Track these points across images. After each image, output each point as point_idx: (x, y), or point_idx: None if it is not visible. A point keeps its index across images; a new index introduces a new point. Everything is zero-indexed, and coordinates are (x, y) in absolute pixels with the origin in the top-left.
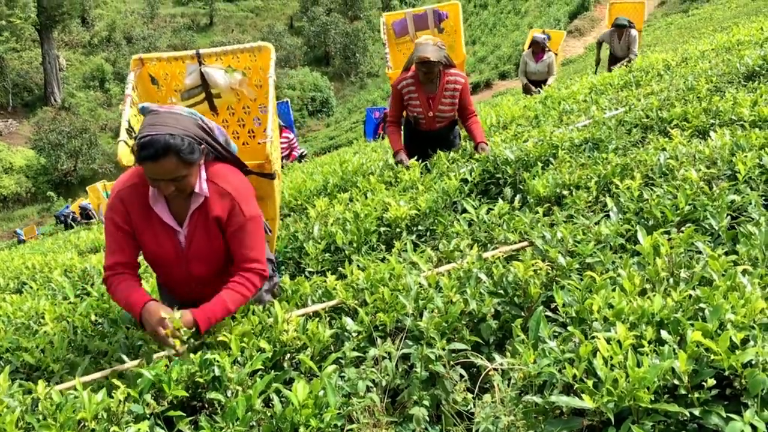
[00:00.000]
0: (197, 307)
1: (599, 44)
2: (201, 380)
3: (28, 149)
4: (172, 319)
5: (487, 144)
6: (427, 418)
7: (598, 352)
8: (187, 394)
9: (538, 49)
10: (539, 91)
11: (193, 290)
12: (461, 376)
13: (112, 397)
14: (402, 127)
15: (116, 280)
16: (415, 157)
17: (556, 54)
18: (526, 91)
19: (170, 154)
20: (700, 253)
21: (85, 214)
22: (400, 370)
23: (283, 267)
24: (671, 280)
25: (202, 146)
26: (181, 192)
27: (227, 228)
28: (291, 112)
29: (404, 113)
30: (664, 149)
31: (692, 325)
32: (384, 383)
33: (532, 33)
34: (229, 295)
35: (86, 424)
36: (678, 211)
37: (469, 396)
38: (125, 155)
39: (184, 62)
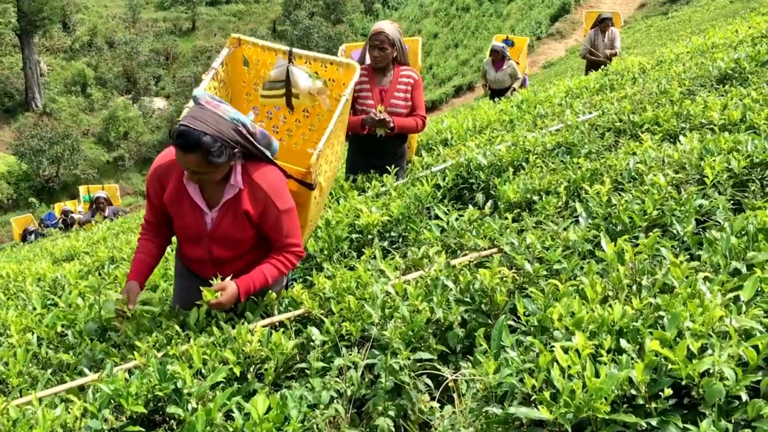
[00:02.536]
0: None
1: (589, 53)
2: (161, 394)
3: (9, 155)
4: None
5: (392, 122)
6: (393, 429)
7: (555, 363)
8: (146, 411)
9: (498, 57)
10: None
11: (209, 269)
12: (427, 386)
13: (69, 413)
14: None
15: (141, 240)
16: (351, 177)
17: (518, 63)
18: (492, 97)
19: (198, 151)
20: (665, 259)
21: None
22: (365, 380)
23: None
24: (634, 287)
25: (236, 150)
26: (201, 181)
27: (264, 223)
28: None
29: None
30: (634, 154)
31: (651, 333)
32: (349, 393)
33: (495, 39)
34: (269, 269)
35: None
36: (646, 217)
37: (436, 406)
38: None
39: (276, 55)
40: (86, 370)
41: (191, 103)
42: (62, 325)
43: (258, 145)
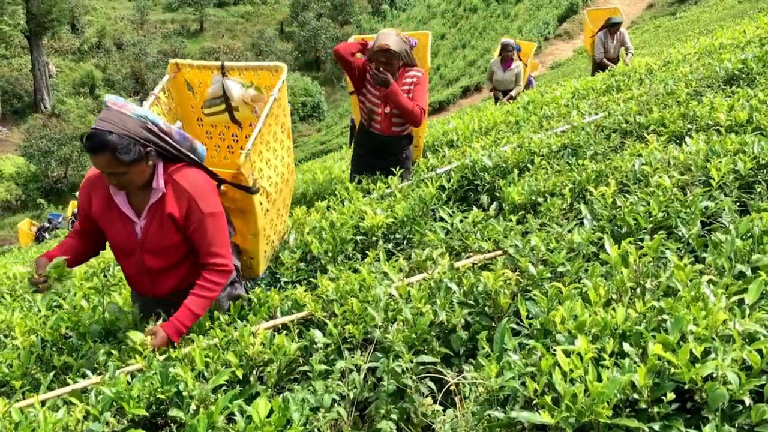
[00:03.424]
0: (163, 307)
1: (604, 55)
2: (163, 396)
3: (18, 156)
4: (142, 339)
5: (393, 84)
6: None
7: (557, 367)
8: (148, 414)
9: (508, 55)
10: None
11: (146, 282)
12: (429, 388)
13: (72, 415)
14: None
15: (68, 235)
16: (357, 179)
17: (525, 65)
18: (497, 98)
19: (105, 151)
20: (669, 261)
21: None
22: (368, 383)
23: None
24: (638, 290)
25: (149, 148)
26: (122, 187)
27: (188, 226)
28: None
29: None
30: (639, 155)
31: (654, 337)
32: (351, 396)
33: (501, 41)
34: (194, 301)
35: None
36: (651, 219)
37: (439, 409)
38: None
39: (212, 72)
40: (89, 373)
41: None
42: (66, 327)
43: (176, 145)
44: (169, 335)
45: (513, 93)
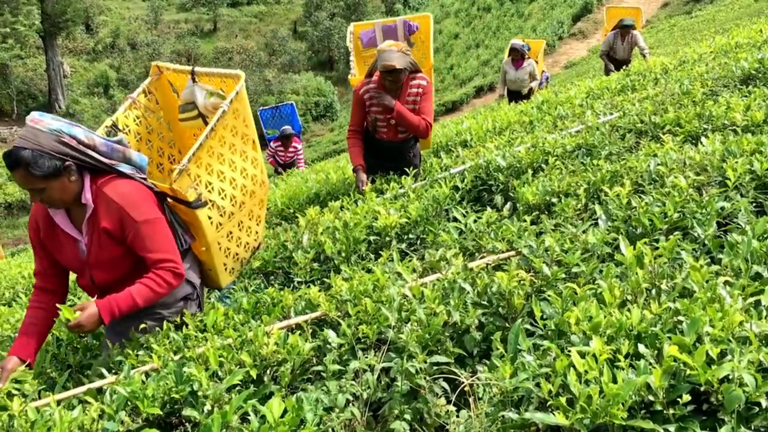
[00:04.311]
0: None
1: (606, 55)
2: (177, 396)
3: None
4: (68, 311)
5: (396, 109)
6: None
7: (572, 368)
8: (162, 413)
9: (518, 56)
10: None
11: (101, 297)
12: (443, 389)
13: (87, 414)
14: (362, 139)
15: (29, 309)
16: (370, 178)
17: (536, 62)
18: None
19: (19, 167)
20: (685, 262)
21: None
22: (382, 383)
23: (272, 277)
24: (653, 292)
25: (67, 162)
26: (50, 205)
27: (126, 237)
28: (297, 114)
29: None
30: (655, 155)
31: (669, 338)
32: (365, 396)
33: (511, 42)
34: (138, 289)
35: None
36: (666, 219)
37: (452, 409)
38: None
39: (187, 76)
40: (105, 372)
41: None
42: None
43: (100, 157)
44: (100, 312)
45: (533, 86)
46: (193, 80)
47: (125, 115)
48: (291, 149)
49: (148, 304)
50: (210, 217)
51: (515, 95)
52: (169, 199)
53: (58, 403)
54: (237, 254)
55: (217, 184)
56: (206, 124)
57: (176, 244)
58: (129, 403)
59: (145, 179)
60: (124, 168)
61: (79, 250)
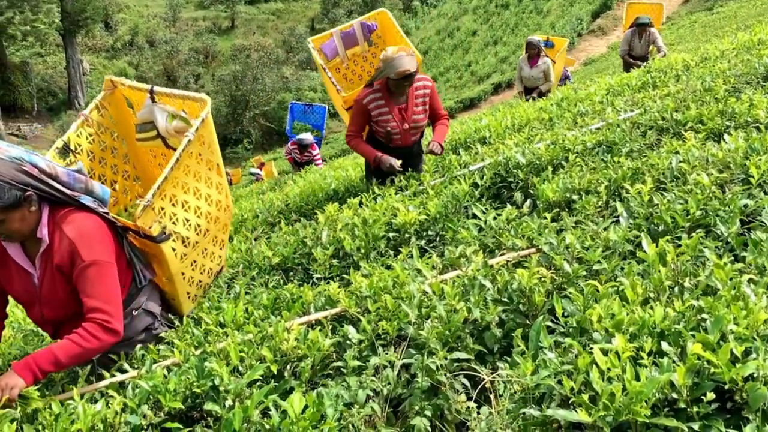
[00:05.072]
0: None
1: (627, 54)
2: (199, 390)
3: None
4: None
5: (441, 146)
6: (429, 429)
7: (595, 365)
8: (183, 407)
9: (534, 52)
10: (533, 98)
11: (51, 333)
12: (463, 386)
13: (110, 408)
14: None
15: None
16: (379, 180)
17: (554, 61)
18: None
19: None
20: (708, 260)
21: None
22: (402, 379)
23: (291, 273)
24: (675, 289)
25: (28, 192)
26: (5, 237)
27: (71, 275)
28: (325, 117)
29: (367, 131)
30: (677, 152)
31: (693, 336)
32: (385, 392)
33: (528, 38)
34: (61, 346)
35: None
36: (689, 217)
37: (473, 406)
38: None
39: (144, 94)
40: (126, 366)
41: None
42: None
43: (61, 188)
44: (19, 373)
45: (543, 88)
46: (153, 100)
47: (77, 134)
48: (307, 154)
49: (75, 361)
50: (174, 249)
51: (530, 91)
52: (130, 233)
53: (81, 396)
54: (200, 281)
55: (181, 214)
56: (166, 145)
57: (134, 281)
58: (151, 397)
59: (107, 213)
60: (86, 200)
61: (32, 283)
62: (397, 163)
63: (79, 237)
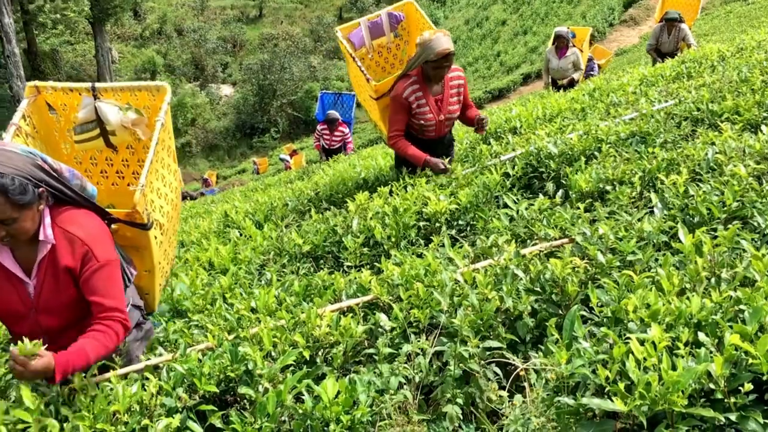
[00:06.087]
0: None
1: (654, 49)
2: (233, 375)
3: None
4: (23, 348)
5: (484, 118)
6: (461, 417)
7: (631, 354)
8: (218, 390)
9: (562, 44)
10: (563, 87)
11: (45, 344)
12: (495, 374)
13: (146, 390)
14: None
15: None
16: (409, 169)
17: (581, 50)
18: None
19: None
20: (745, 252)
21: None
22: (433, 367)
23: (321, 261)
24: (712, 280)
25: (41, 189)
26: (13, 237)
27: (81, 276)
28: (354, 107)
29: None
30: (713, 143)
31: (731, 327)
32: (417, 380)
33: (555, 29)
34: (90, 345)
35: (119, 416)
36: (725, 208)
37: (504, 395)
38: None
39: (80, 94)
40: (161, 350)
41: None
42: None
43: (69, 185)
44: (57, 367)
45: (575, 77)
46: (95, 97)
47: (22, 142)
48: (338, 133)
49: (98, 361)
50: (156, 237)
51: (557, 82)
52: (118, 225)
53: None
54: (167, 272)
55: (157, 201)
56: (108, 143)
57: (124, 277)
58: (185, 380)
59: (98, 206)
60: (83, 196)
61: (26, 292)
62: (447, 164)
63: (90, 237)
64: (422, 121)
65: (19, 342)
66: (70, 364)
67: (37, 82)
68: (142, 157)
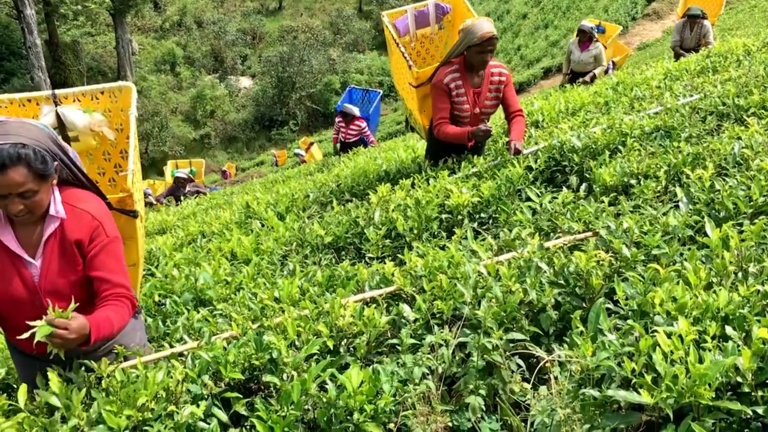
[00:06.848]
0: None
1: (678, 45)
2: (257, 363)
3: None
4: (57, 313)
5: (520, 143)
6: (483, 408)
7: (658, 347)
8: (243, 377)
9: (585, 38)
10: (583, 82)
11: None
12: (519, 366)
13: (171, 377)
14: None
15: None
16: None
17: (605, 47)
18: (570, 81)
19: (20, 164)
20: None
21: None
22: (456, 358)
23: (342, 253)
24: (739, 275)
25: (56, 163)
26: (30, 212)
27: (88, 252)
28: (379, 103)
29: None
30: (739, 138)
31: (759, 321)
32: (440, 371)
33: (580, 23)
34: (113, 314)
35: (146, 402)
36: (751, 203)
37: (527, 386)
38: None
39: (38, 104)
40: (186, 337)
41: None
42: (159, 295)
43: (76, 162)
44: (90, 329)
45: (596, 72)
46: (56, 103)
47: None
48: (353, 127)
49: (119, 331)
50: (140, 228)
51: (578, 76)
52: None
53: (145, 366)
54: (141, 273)
55: (137, 194)
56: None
57: None
58: (210, 367)
59: (99, 189)
60: (89, 178)
61: (29, 273)
62: (488, 126)
63: (99, 213)
64: (458, 111)
65: (49, 309)
66: (101, 329)
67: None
68: (101, 164)
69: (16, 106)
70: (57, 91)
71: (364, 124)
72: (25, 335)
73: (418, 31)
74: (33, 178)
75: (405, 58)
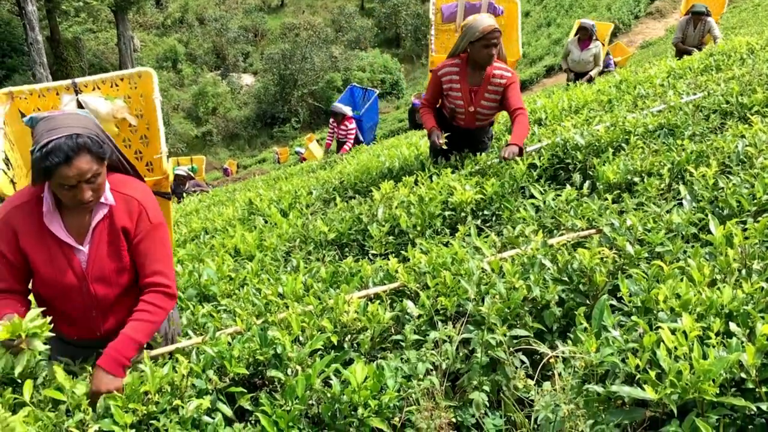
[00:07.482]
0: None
1: (682, 42)
2: (262, 358)
3: None
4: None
5: (519, 148)
6: (487, 404)
7: (662, 343)
8: (248, 372)
9: (585, 36)
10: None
11: (98, 319)
12: (522, 362)
13: (176, 372)
14: (434, 110)
15: None
16: (440, 157)
17: (603, 44)
18: (571, 79)
19: (83, 152)
20: None
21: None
22: (460, 354)
23: (346, 249)
24: (743, 272)
25: (106, 145)
26: (95, 193)
27: (135, 237)
28: (377, 103)
29: (439, 105)
30: (743, 136)
31: (763, 317)
32: (444, 367)
33: (578, 22)
34: (134, 327)
35: (150, 396)
36: (755, 201)
37: (531, 383)
38: (4, 185)
39: (58, 94)
40: (191, 333)
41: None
42: None
43: (119, 149)
44: (111, 371)
45: (593, 73)
46: (77, 92)
47: (7, 148)
48: (343, 127)
49: (151, 337)
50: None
51: (578, 76)
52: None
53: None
54: None
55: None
56: None
57: None
58: (215, 362)
59: (139, 174)
60: (131, 164)
61: (77, 261)
62: (440, 140)
63: (145, 198)
64: (453, 105)
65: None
66: (123, 357)
67: (12, 88)
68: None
69: (36, 96)
70: (77, 80)
71: (352, 125)
72: None
73: (464, 24)
74: (96, 161)
75: (430, 41)
